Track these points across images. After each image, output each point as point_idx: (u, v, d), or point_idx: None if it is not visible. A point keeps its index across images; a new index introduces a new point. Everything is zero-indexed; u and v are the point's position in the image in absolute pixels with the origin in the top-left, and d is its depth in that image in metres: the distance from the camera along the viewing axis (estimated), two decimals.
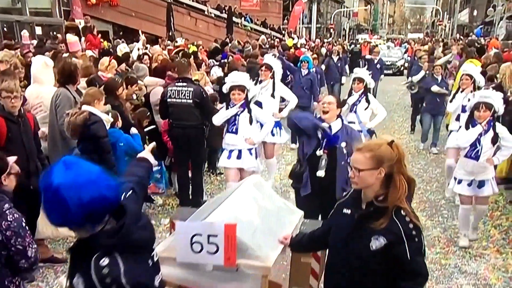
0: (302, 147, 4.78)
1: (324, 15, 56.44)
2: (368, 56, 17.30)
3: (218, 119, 6.08)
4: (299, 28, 44.78)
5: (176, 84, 6.56)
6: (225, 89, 6.11)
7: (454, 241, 5.91)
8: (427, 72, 11.07)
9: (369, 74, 15.81)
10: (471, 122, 5.46)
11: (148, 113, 6.82)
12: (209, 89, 8.15)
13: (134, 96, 7.00)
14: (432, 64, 11.07)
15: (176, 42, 14.59)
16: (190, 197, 7.03)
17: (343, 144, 4.52)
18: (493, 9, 35.50)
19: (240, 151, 6.10)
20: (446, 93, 9.69)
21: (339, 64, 15.34)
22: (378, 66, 15.84)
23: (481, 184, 5.50)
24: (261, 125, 6.25)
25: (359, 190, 2.71)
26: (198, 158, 6.78)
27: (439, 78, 10.05)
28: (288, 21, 39.91)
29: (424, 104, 10.44)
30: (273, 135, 7.49)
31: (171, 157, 7.28)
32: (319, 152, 4.58)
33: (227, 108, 6.07)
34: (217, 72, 10.03)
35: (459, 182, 5.63)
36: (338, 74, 15.17)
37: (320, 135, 4.60)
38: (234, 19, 29.74)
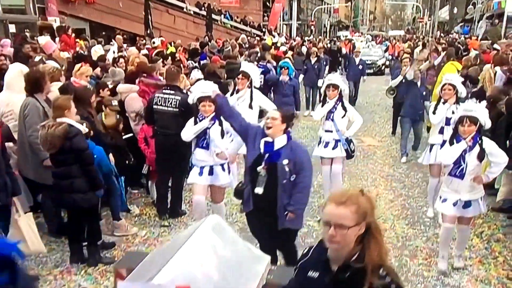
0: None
1: (305, 12, 56.44)
2: (345, 52, 17.21)
3: (187, 135, 5.71)
4: (280, 25, 44.69)
5: (164, 91, 6.55)
6: (191, 100, 5.76)
7: (437, 252, 5.86)
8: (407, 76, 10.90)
9: (351, 75, 15.78)
10: (455, 137, 5.08)
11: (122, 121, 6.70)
12: (188, 93, 8.02)
13: (115, 102, 6.80)
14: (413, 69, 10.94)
15: (154, 43, 14.30)
16: (169, 205, 6.96)
17: (285, 161, 4.33)
18: (473, 7, 35.93)
19: (212, 167, 5.76)
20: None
21: (316, 67, 14.93)
22: (360, 67, 15.81)
23: (467, 204, 5.11)
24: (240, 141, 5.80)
25: (325, 248, 2.34)
26: (180, 167, 6.64)
27: (419, 83, 9.87)
28: (269, 18, 39.80)
29: (402, 109, 10.12)
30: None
31: (149, 165, 7.16)
32: (259, 168, 4.40)
33: (195, 122, 5.68)
34: (196, 75, 9.89)
35: (444, 200, 5.26)
36: (316, 77, 14.73)
37: (262, 150, 4.44)
38: (213, 16, 29.58)
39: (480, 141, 4.98)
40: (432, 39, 28.30)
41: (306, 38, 33.31)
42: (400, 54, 15.30)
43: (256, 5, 39.80)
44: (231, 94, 7.18)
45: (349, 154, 6.94)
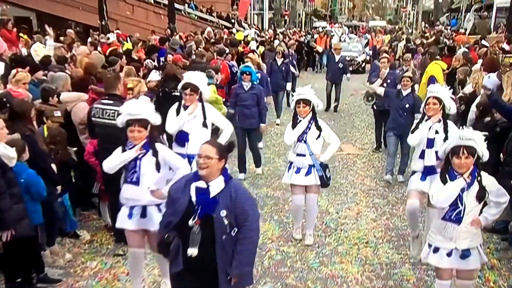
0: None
1: (278, 1, 56.45)
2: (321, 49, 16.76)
3: (109, 165, 5.05)
4: (251, 15, 44.56)
5: (102, 101, 6.28)
6: (120, 123, 5.03)
7: (425, 281, 5.78)
8: (389, 81, 10.39)
9: (331, 75, 15.31)
10: (448, 172, 4.43)
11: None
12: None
13: (58, 113, 6.51)
14: (395, 72, 10.65)
15: (108, 39, 13.91)
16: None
17: (223, 213, 3.76)
18: None
19: (144, 208, 5.03)
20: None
21: (283, 68, 14.00)
22: (340, 65, 15.42)
23: (465, 254, 4.50)
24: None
25: None
26: None
27: (407, 91, 8.97)
28: (238, 7, 39.61)
29: (387, 122, 9.47)
30: None
31: (100, 183, 6.89)
32: (191, 222, 3.76)
33: (123, 150, 4.98)
34: (154, 77, 9.62)
35: (435, 250, 4.61)
36: (283, 80, 13.88)
37: (194, 198, 3.83)
38: (176, 6, 29.21)
39: (479, 177, 4.39)
40: (416, 32, 28.50)
41: (278, 31, 33.19)
42: (379, 49, 14.97)
43: None
44: (178, 109, 6.53)
45: (324, 182, 6.59)
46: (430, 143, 5.94)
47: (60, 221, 6.25)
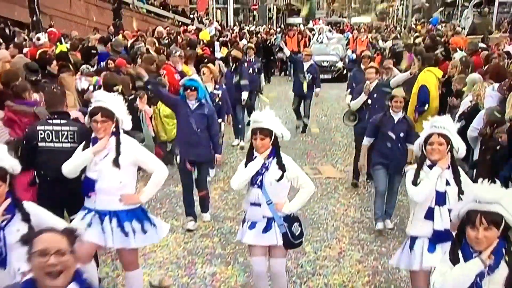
0: None
1: None
2: (288, 52, 15.57)
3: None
4: (212, 9, 44.53)
5: (49, 121, 6.10)
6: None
7: None
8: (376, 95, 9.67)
9: (297, 87, 14.52)
10: (461, 247, 3.64)
11: None
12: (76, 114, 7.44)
13: None
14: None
15: (38, 39, 13.49)
16: None
17: None
18: None
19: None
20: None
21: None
22: (309, 75, 14.28)
23: None
24: None
25: None
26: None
27: (398, 116, 8.05)
28: (197, 1, 39.60)
29: (373, 152, 8.40)
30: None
31: None
32: None
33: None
34: (84, 84, 9.30)
35: None
36: (238, 92, 12.91)
37: None
38: None
39: (507, 257, 3.53)
40: (405, 31, 28.70)
41: (245, 28, 33.12)
42: (361, 53, 14.37)
43: None
44: (83, 147, 5.54)
45: (290, 242, 5.56)
46: (441, 198, 5.03)
47: None
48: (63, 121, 6.07)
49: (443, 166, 5.02)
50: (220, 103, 10.10)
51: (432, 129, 5.05)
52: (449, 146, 5.03)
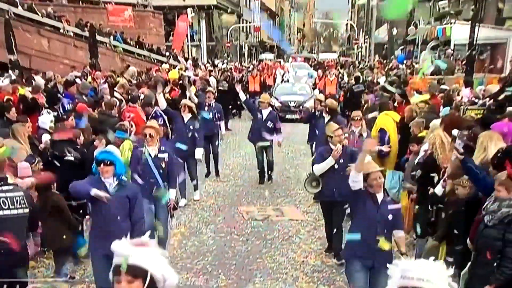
0: None
1: (220, 31, 56.35)
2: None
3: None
4: (188, 47, 44.10)
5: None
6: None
7: None
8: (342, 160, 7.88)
9: (255, 135, 12.11)
10: None
11: None
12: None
13: None
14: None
15: (2, 82, 12.69)
16: None
17: None
18: (414, 27, 36.97)
19: None
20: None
21: (191, 126, 11.00)
22: (270, 123, 12.31)
23: None
24: None
25: None
26: None
27: (381, 195, 6.02)
28: (173, 39, 39.25)
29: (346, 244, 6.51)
30: None
31: None
32: None
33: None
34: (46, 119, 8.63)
35: None
36: (192, 144, 10.99)
37: None
38: (100, 38, 28.44)
39: None
40: (367, 69, 28.27)
41: (217, 62, 32.56)
42: (329, 95, 13.66)
43: (155, 23, 39.02)
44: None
45: None
46: None
47: None
48: (10, 187, 5.64)
49: None
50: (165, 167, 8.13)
51: (403, 282, 2.91)
52: None
